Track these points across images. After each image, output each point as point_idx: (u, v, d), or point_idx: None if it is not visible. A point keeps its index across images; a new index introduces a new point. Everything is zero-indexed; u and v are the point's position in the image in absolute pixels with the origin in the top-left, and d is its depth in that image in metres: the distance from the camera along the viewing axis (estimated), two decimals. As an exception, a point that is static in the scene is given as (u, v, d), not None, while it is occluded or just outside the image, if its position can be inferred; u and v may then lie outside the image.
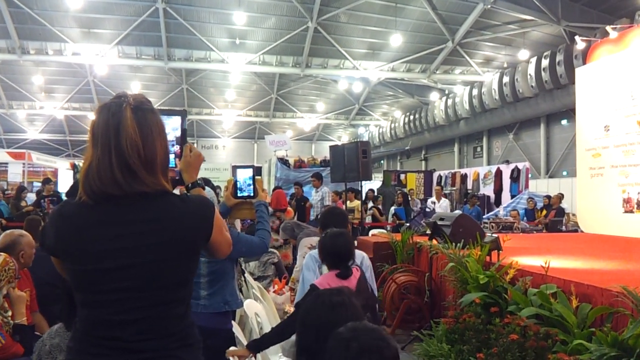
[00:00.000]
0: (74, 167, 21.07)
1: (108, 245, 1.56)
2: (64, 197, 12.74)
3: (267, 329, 3.64)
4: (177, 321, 1.63)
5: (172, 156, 1.99)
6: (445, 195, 15.31)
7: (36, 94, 24.91)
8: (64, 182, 19.33)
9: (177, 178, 2.04)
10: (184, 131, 2.14)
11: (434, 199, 13.70)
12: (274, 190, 12.02)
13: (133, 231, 1.57)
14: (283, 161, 16.47)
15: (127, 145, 1.56)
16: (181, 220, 1.62)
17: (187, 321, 1.67)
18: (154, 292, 1.58)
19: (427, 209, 12.87)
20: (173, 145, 2.04)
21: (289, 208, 8.99)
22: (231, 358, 2.83)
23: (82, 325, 1.62)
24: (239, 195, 2.72)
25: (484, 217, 13.19)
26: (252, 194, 2.73)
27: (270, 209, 8.69)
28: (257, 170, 3.01)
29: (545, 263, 4.15)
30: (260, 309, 4.15)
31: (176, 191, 1.82)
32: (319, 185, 12.04)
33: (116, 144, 1.56)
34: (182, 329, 1.64)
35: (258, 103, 27.34)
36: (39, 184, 14.23)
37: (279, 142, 17.50)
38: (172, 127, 2.07)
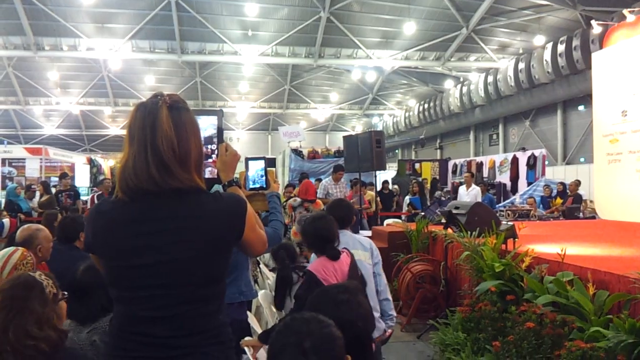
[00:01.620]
0: (90, 161, 21.29)
1: (140, 242, 1.58)
2: (80, 191, 12.90)
3: (282, 319, 3.66)
4: (209, 319, 1.64)
5: None
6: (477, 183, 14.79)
7: (52, 90, 25.18)
8: (81, 177, 19.53)
9: (215, 177, 2.06)
10: (220, 130, 2.14)
11: (461, 187, 13.41)
12: (300, 180, 11.74)
13: (165, 228, 1.58)
14: (297, 152, 16.44)
15: (162, 142, 1.58)
16: (212, 218, 1.63)
17: (220, 319, 1.68)
18: (185, 289, 1.59)
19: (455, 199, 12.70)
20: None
21: (318, 200, 8.91)
22: (246, 348, 2.86)
23: (117, 320, 1.65)
24: (251, 187, 2.72)
25: (498, 205, 13.08)
26: (264, 186, 2.72)
27: (298, 199, 8.73)
28: (271, 162, 2.99)
29: (562, 250, 4.11)
30: (275, 300, 4.18)
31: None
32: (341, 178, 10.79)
33: (152, 140, 1.58)
34: (215, 327, 1.65)
35: (271, 94, 27.35)
36: (56, 179, 14.40)
37: (293, 133, 17.44)
38: (201, 126, 2.09)
